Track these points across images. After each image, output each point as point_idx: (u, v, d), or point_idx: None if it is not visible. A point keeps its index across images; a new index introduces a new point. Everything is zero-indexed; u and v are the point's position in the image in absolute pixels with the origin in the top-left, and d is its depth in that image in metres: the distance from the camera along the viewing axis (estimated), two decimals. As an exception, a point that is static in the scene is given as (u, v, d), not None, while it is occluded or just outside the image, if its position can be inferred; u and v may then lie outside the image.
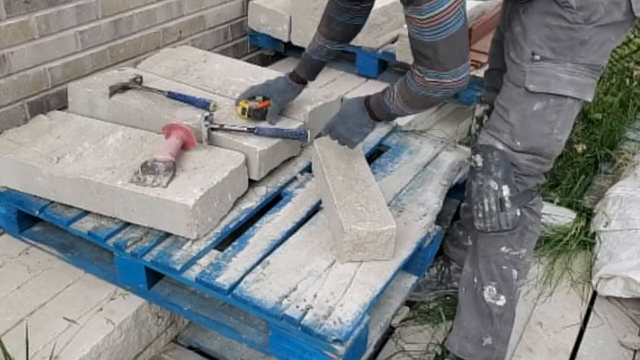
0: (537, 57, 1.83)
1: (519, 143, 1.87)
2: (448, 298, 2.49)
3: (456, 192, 2.61)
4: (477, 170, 1.95)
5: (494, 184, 1.90)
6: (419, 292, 2.48)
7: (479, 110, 2.33)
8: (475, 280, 2.05)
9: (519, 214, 1.91)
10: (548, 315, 2.43)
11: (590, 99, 1.88)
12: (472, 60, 2.97)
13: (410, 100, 1.93)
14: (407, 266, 2.21)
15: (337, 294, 1.92)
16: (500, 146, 1.90)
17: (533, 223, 2.01)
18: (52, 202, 2.23)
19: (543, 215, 2.78)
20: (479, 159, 1.94)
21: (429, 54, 1.75)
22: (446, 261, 2.51)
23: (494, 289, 2.02)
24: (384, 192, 2.38)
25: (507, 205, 1.90)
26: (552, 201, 2.98)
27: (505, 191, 1.89)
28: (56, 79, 2.69)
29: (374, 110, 2.05)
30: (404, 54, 3.12)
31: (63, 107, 2.67)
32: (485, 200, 1.92)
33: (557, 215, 2.86)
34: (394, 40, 3.34)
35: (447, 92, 1.82)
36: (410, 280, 2.32)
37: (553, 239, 2.76)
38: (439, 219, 2.36)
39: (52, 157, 2.23)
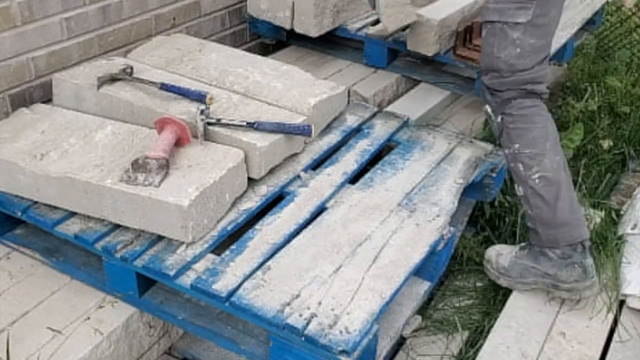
0: None
1: (482, 65, 2.44)
2: (464, 307, 2.49)
3: (472, 190, 2.60)
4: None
5: (485, 107, 2.48)
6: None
7: None
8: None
9: (500, 120, 2.42)
10: (572, 324, 2.42)
11: (522, 20, 2.27)
12: (470, 59, 3.06)
13: None
14: (419, 271, 2.21)
15: (343, 301, 1.92)
16: (482, 76, 2.46)
17: (514, 122, 2.39)
18: (36, 202, 2.23)
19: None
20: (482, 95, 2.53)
21: None
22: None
23: (515, 185, 2.46)
24: (394, 191, 2.39)
25: (492, 117, 2.46)
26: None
27: (488, 108, 2.47)
28: (40, 70, 2.69)
29: None
30: (415, 43, 3.11)
31: (47, 99, 2.67)
32: (487, 118, 2.51)
33: (581, 217, 2.84)
34: (404, 28, 3.33)
35: None
36: (423, 286, 2.32)
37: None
38: (454, 220, 2.35)
39: (36, 153, 2.23)
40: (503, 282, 2.51)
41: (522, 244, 2.53)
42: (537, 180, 2.38)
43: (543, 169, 2.38)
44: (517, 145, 2.39)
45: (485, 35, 2.39)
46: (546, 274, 2.42)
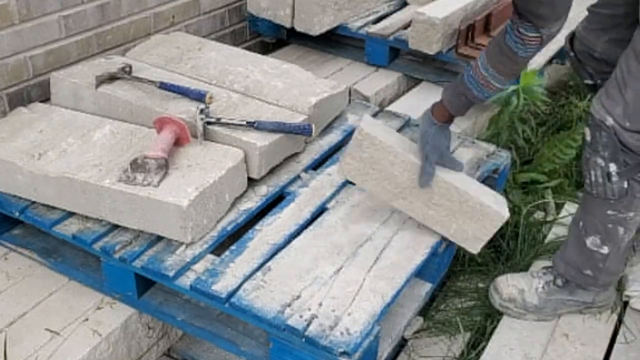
0: None
1: (628, 124, 1.95)
2: (466, 308, 2.49)
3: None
4: (585, 143, 2.09)
5: (600, 161, 2.04)
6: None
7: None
8: (581, 224, 2.22)
9: (626, 186, 2.05)
10: (575, 325, 2.42)
11: None
12: (472, 58, 3.00)
13: (504, 64, 1.98)
14: (421, 272, 2.21)
15: (344, 302, 1.92)
16: (610, 121, 1.98)
17: None
18: (34, 202, 2.22)
19: (568, 217, 2.78)
20: (587, 133, 2.06)
21: (547, 12, 1.86)
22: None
23: (597, 240, 2.19)
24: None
25: (614, 178, 2.04)
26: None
27: (612, 167, 2.03)
28: (38, 68, 2.69)
29: (437, 107, 2.14)
30: (417, 41, 3.12)
31: (45, 98, 2.67)
32: (592, 172, 2.08)
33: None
34: (406, 26, 3.33)
35: (536, 49, 1.95)
36: (424, 287, 2.31)
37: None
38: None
39: (34, 153, 2.22)
40: (531, 317, 2.36)
41: (545, 277, 2.36)
42: (626, 241, 2.22)
43: (636, 227, 2.22)
44: (632, 214, 2.14)
45: None
46: (584, 303, 2.37)
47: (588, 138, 2.07)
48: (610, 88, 2.01)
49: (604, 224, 2.16)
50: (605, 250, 2.21)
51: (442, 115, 2.14)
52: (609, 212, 2.13)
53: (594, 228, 2.19)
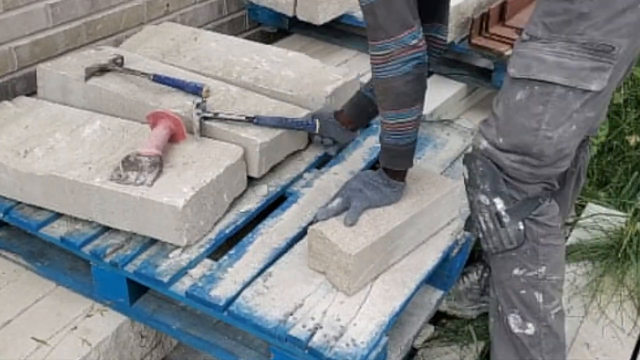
0: (526, 37, 1.77)
1: (501, 140, 1.82)
2: (479, 315, 2.47)
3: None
4: (465, 184, 1.95)
5: (484, 198, 1.89)
6: (459, 303, 2.44)
7: None
8: (500, 308, 2.02)
9: (522, 227, 1.88)
10: (596, 335, 2.42)
11: (594, 88, 1.71)
12: (507, 38, 2.98)
13: (383, 98, 1.95)
14: (432, 279, 2.20)
15: (350, 310, 1.91)
16: (483, 144, 1.86)
17: (546, 235, 1.91)
18: (19, 203, 2.22)
19: (589, 219, 2.77)
20: (465, 170, 1.93)
21: (370, 21, 1.85)
22: (487, 265, 2.49)
23: (518, 317, 1.98)
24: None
25: (506, 220, 1.88)
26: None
27: (499, 204, 1.87)
28: (23, 60, 2.69)
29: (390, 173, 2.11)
30: (427, 31, 3.10)
31: (31, 92, 2.67)
32: (481, 218, 1.92)
33: (606, 219, 2.83)
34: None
35: (398, 65, 1.86)
36: (435, 295, 2.30)
37: (602, 247, 2.73)
38: (469, 224, 2.34)
39: (19, 150, 2.22)
40: None
41: None
42: (554, 317, 1.97)
43: (561, 300, 1.98)
44: (543, 269, 1.91)
45: (526, 99, 1.77)
46: None
47: (466, 176, 1.93)
48: (488, 116, 1.92)
49: (516, 292, 1.95)
50: (530, 329, 1.96)
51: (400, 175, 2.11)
52: (516, 270, 1.93)
53: (509, 302, 1.97)
